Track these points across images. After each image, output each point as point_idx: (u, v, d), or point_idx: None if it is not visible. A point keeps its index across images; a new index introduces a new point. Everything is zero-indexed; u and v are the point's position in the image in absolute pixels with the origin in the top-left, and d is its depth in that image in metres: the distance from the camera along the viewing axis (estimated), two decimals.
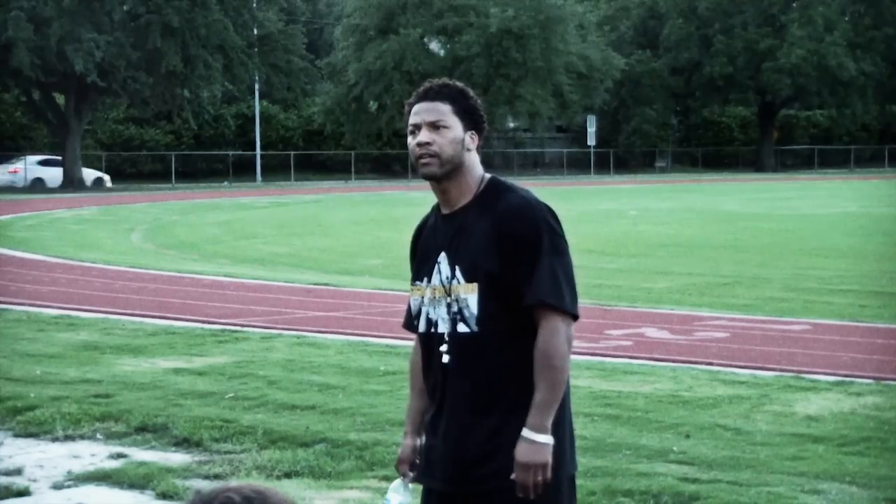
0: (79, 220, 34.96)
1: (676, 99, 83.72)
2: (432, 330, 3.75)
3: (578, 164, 79.94)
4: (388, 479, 7.16)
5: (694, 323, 13.39)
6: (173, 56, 56.36)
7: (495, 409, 3.66)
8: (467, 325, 3.67)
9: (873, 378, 10.20)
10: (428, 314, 3.76)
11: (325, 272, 19.68)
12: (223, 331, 13.02)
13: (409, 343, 12.24)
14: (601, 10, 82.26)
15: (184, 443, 8.08)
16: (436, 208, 3.86)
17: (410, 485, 3.83)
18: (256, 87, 66.76)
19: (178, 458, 7.75)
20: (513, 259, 3.62)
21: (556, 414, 3.62)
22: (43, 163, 59.40)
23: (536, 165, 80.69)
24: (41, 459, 7.77)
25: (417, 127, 3.74)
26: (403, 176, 71.22)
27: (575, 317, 3.65)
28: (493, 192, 3.73)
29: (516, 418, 3.61)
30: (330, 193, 53.81)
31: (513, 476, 3.57)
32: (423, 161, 3.73)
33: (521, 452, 3.56)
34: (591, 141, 76.29)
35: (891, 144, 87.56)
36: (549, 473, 3.56)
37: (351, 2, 71.62)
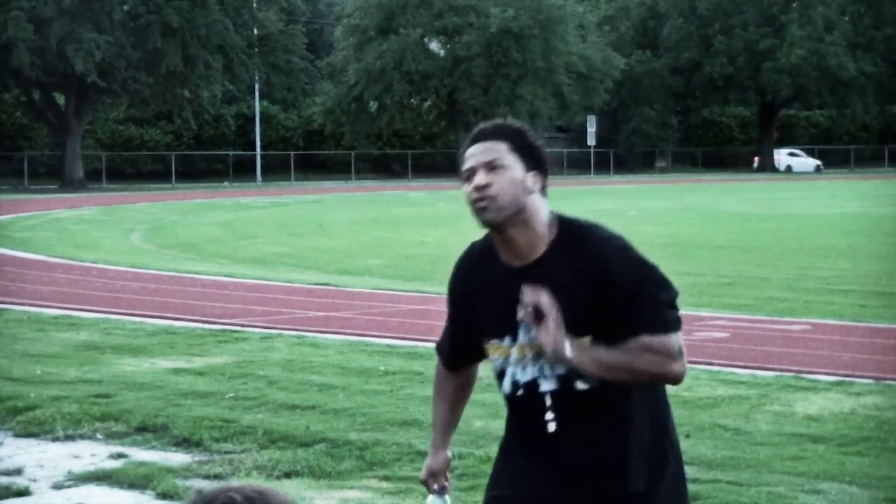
0: (79, 220, 34.96)
1: (676, 99, 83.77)
2: (524, 392, 3.44)
3: (578, 164, 79.95)
4: (388, 478, 7.18)
5: (694, 323, 13.38)
6: (173, 56, 56.40)
7: (620, 461, 3.44)
8: (586, 380, 3.39)
9: (873, 378, 10.20)
10: (515, 375, 3.45)
11: (325, 272, 19.68)
12: (223, 331, 13.02)
13: (410, 343, 12.15)
14: (601, 10, 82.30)
15: (184, 443, 8.08)
16: (489, 252, 3.49)
17: (446, 496, 3.71)
18: (256, 87, 66.78)
19: (178, 458, 7.75)
20: (622, 308, 3.36)
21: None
22: (790, 154, 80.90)
23: None
24: (41, 459, 7.77)
25: (472, 171, 3.38)
26: (403, 176, 71.25)
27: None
28: (571, 238, 3.41)
29: (645, 468, 3.44)
30: (330, 193, 53.82)
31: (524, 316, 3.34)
32: (480, 206, 3.35)
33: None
34: (591, 141, 76.33)
35: (891, 144, 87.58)
36: (558, 349, 3.30)
37: (351, 2, 71.65)
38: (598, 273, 3.35)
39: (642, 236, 27.27)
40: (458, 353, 3.69)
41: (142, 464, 7.54)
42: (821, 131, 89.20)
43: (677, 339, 3.40)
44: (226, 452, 7.81)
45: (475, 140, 3.43)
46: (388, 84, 67.79)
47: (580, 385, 3.39)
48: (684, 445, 7.77)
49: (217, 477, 7.24)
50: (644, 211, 36.82)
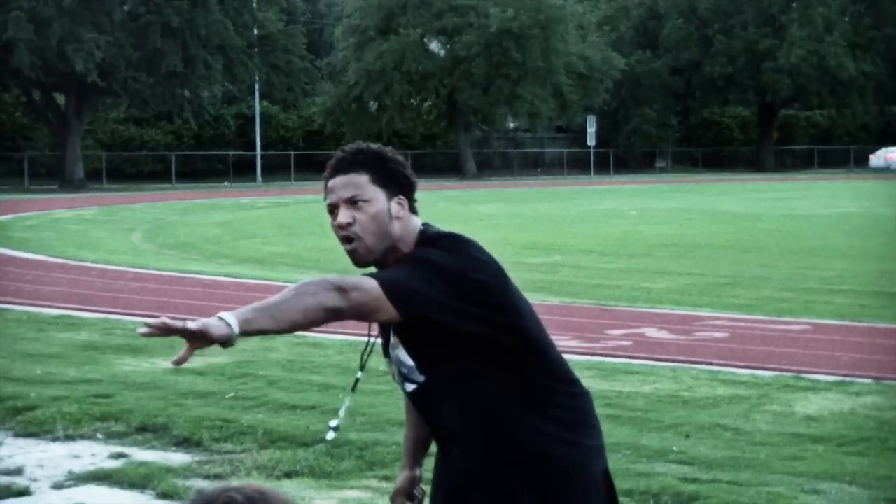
0: (79, 220, 34.95)
1: (676, 99, 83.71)
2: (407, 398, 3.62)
3: (578, 164, 79.93)
4: (389, 479, 7.17)
5: (694, 323, 13.39)
6: (173, 56, 56.39)
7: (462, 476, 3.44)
8: (410, 383, 3.54)
9: (873, 378, 10.21)
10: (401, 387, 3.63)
11: (325, 272, 19.66)
12: None
13: None
14: (601, 10, 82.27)
15: (184, 443, 8.08)
16: None
17: None
18: (256, 87, 66.77)
19: (178, 458, 7.76)
20: None
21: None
22: None
23: (536, 165, 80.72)
24: (41, 459, 7.77)
25: (334, 206, 3.33)
26: None
27: (388, 293, 3.20)
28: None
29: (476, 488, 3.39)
30: None
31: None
32: (348, 248, 3.36)
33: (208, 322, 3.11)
34: (591, 141, 76.29)
35: (891, 144, 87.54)
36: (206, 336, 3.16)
37: (351, 2, 71.65)
38: None
39: (642, 236, 27.38)
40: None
41: (142, 464, 7.55)
42: (821, 131, 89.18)
43: (367, 283, 3.20)
44: (226, 452, 7.82)
45: (335, 171, 3.34)
46: (388, 84, 67.78)
47: (408, 387, 3.46)
48: (684, 445, 7.80)
49: (217, 477, 7.25)
50: (644, 211, 36.81)
